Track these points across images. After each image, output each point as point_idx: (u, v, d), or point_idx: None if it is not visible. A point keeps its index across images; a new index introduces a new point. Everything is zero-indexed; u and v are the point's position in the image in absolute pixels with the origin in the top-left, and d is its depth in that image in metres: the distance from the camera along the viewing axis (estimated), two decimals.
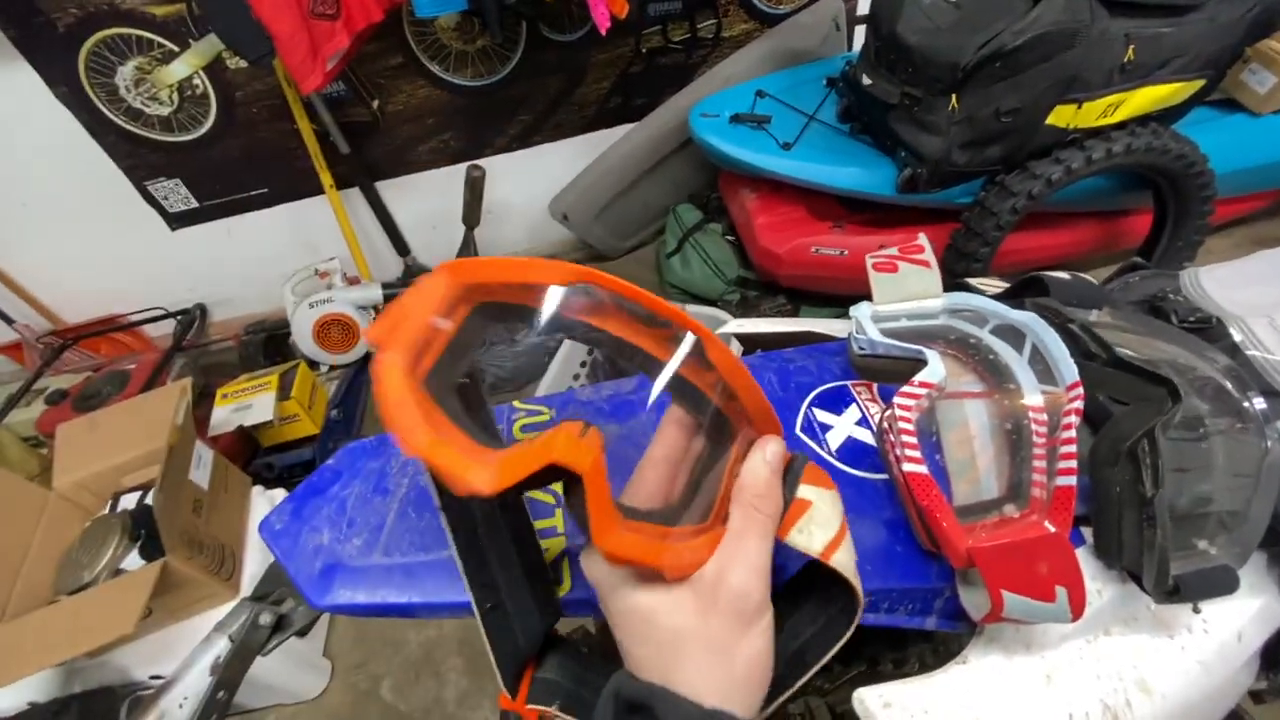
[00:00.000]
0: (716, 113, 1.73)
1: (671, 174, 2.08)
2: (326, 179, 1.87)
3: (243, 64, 1.69)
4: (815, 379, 0.53)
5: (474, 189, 2.01)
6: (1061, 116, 1.35)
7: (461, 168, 2.01)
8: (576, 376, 1.63)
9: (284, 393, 1.70)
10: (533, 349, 1.87)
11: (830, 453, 0.48)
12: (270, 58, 1.46)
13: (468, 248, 2.16)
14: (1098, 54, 1.28)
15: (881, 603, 0.44)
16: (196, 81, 1.71)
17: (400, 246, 2.13)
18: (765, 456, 0.35)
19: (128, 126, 1.71)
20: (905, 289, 0.55)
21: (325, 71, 1.48)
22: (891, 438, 0.42)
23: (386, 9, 1.50)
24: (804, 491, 0.35)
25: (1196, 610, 0.46)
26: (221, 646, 0.63)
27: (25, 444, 1.67)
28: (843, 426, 0.50)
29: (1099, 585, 0.46)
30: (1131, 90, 1.33)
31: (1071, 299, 0.53)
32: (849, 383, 0.53)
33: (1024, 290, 0.58)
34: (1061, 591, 0.38)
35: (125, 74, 1.65)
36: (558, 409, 0.51)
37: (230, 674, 0.63)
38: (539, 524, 0.43)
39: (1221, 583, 0.43)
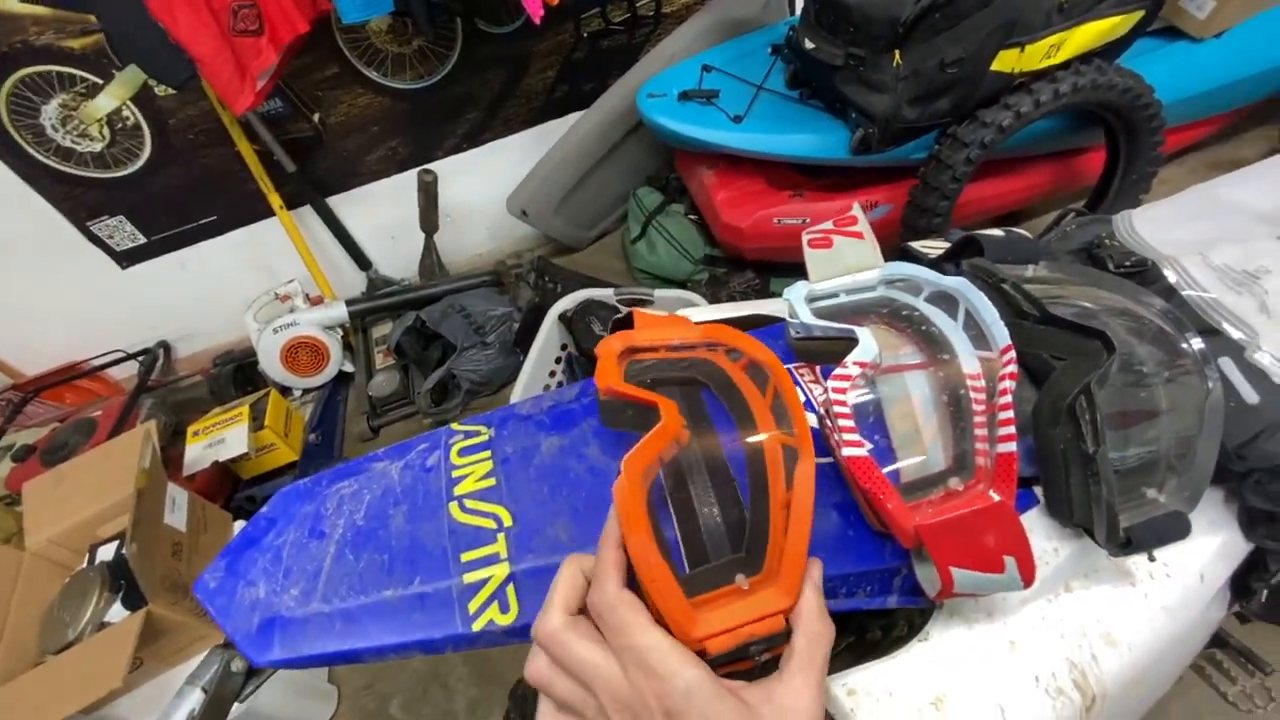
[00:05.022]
0: (664, 92, 1.70)
1: (627, 158, 2.05)
2: (275, 200, 1.83)
3: (171, 90, 1.63)
4: None
5: (428, 194, 1.97)
6: (1006, 62, 1.34)
7: (413, 174, 1.98)
8: (553, 373, 1.61)
9: (257, 423, 1.67)
10: (504, 352, 1.86)
11: None
12: (195, 81, 1.42)
13: (429, 255, 2.13)
14: None
15: (840, 588, 0.44)
16: (126, 113, 1.65)
17: (361, 261, 2.09)
18: (818, 582, 0.36)
19: (60, 167, 1.65)
20: (841, 263, 0.54)
21: (256, 90, 1.44)
22: (829, 422, 0.42)
23: (312, 19, 1.45)
24: None
25: (1152, 559, 0.46)
26: (195, 699, 0.62)
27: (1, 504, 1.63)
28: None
29: (1055, 544, 0.46)
30: (1072, 28, 1.32)
31: (1006, 256, 0.52)
32: (791, 366, 0.52)
33: (961, 251, 0.57)
34: (1010, 561, 0.38)
35: (50, 113, 1.59)
36: (496, 426, 0.50)
37: None
38: (481, 551, 0.42)
39: (1174, 529, 0.42)
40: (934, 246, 0.62)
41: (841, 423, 0.41)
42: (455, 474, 0.46)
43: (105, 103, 1.60)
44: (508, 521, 0.43)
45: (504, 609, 0.40)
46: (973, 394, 0.42)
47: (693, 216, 1.98)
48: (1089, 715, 0.44)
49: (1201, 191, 0.54)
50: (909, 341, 0.48)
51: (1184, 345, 0.45)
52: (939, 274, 0.48)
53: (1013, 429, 0.39)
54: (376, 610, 0.40)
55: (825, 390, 0.43)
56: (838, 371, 0.42)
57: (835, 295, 0.54)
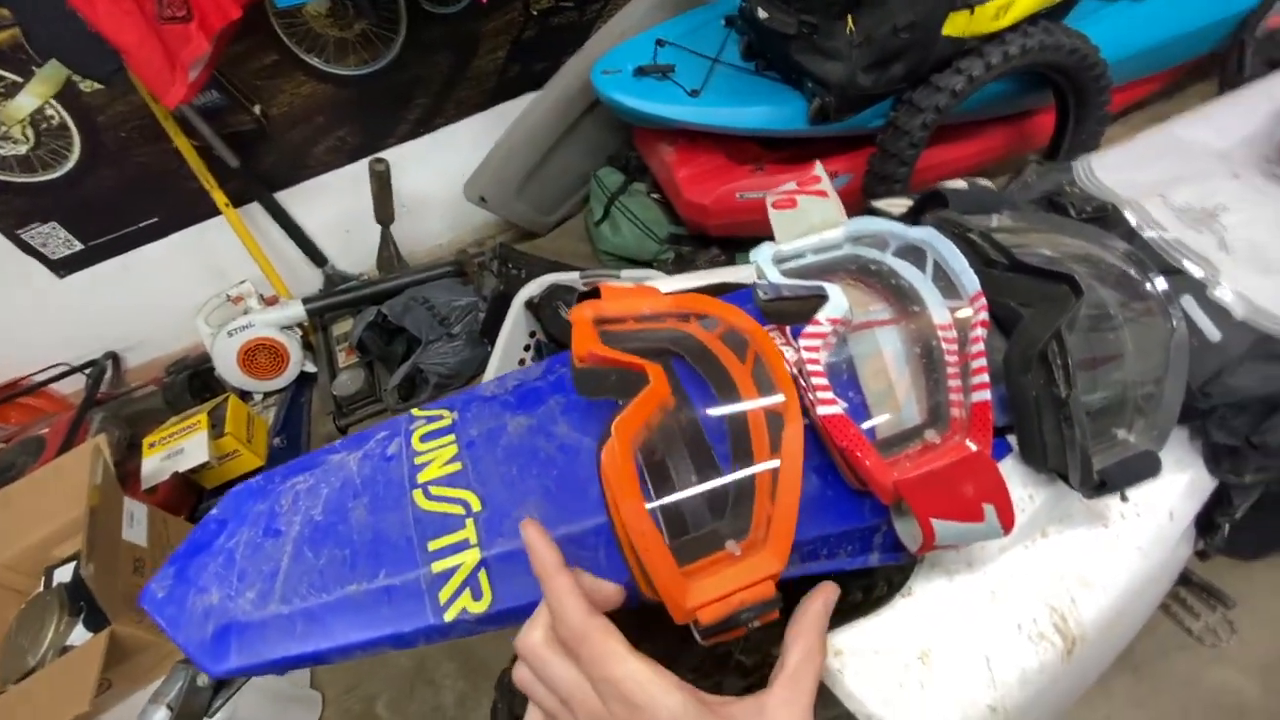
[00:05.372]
0: (618, 68, 1.67)
1: (586, 138, 2.01)
2: (220, 198, 1.75)
3: (98, 85, 1.54)
4: None
5: (381, 183, 1.91)
6: (956, 25, 1.34)
7: (364, 164, 1.91)
8: (522, 361, 1.59)
9: (218, 430, 1.61)
10: (472, 343, 1.82)
11: None
12: (121, 74, 1.34)
13: (387, 247, 2.07)
14: None
15: (820, 549, 0.43)
16: (50, 112, 1.55)
17: (316, 257, 2.02)
18: (828, 605, 0.36)
19: None
20: (806, 222, 0.53)
21: (189, 81, 1.37)
22: (803, 382, 0.41)
23: (244, 4, 1.38)
24: None
25: (1124, 499, 0.46)
26: (161, 718, 0.59)
27: None
28: None
29: (1030, 490, 0.46)
30: None
31: (971, 207, 0.51)
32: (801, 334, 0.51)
33: (925, 206, 0.56)
34: (989, 509, 0.37)
35: None
36: (459, 409, 0.48)
37: None
38: (449, 538, 0.40)
39: (1145, 468, 0.43)
40: (898, 204, 0.61)
41: (815, 381, 0.40)
42: (418, 460, 0.43)
43: (27, 102, 1.50)
44: (476, 506, 0.41)
45: (477, 596, 0.38)
46: (944, 345, 0.42)
47: (655, 195, 1.96)
48: (1070, 657, 0.44)
49: (1159, 133, 0.55)
50: (879, 297, 0.47)
51: (1147, 286, 0.45)
52: (905, 227, 0.47)
53: (986, 377, 0.39)
54: (341, 607, 0.38)
55: (797, 351, 0.42)
56: (809, 329, 0.41)
57: (802, 255, 0.53)
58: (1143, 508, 0.49)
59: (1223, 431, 0.48)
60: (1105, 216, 0.51)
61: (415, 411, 0.48)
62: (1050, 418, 0.42)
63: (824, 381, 0.40)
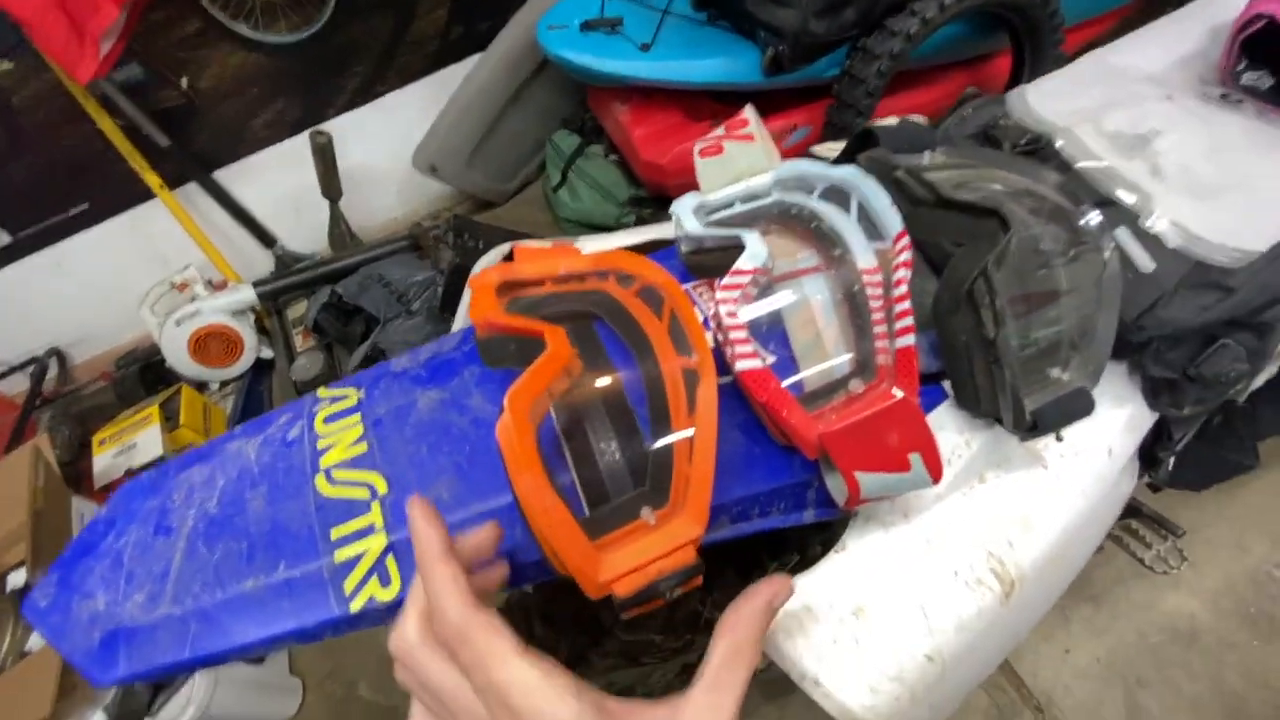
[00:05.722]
0: (564, 23, 1.60)
1: (537, 101, 1.94)
2: (153, 180, 1.66)
3: (6, 64, 1.44)
4: None
5: (324, 157, 1.82)
6: None
7: (305, 137, 1.82)
8: None
9: (172, 423, 1.57)
10: (432, 319, 1.77)
11: None
12: (25, 49, 1.25)
13: (337, 224, 1.99)
14: None
15: (751, 509, 0.41)
16: None
17: (264, 238, 1.94)
18: (774, 602, 0.31)
19: None
20: (733, 170, 0.50)
21: (99, 55, 1.28)
22: (721, 336, 0.38)
23: None
24: None
25: (1060, 439, 0.45)
26: None
27: None
28: None
29: (966, 437, 0.45)
30: None
31: (902, 145, 0.49)
32: (689, 285, 0.48)
33: (860, 147, 0.54)
34: (916, 458, 0.36)
35: None
36: (367, 386, 0.45)
37: None
38: (353, 524, 0.38)
39: (1078, 407, 0.41)
40: (834, 147, 0.58)
41: (734, 335, 0.38)
42: (321, 444, 0.41)
43: None
44: (382, 488, 0.39)
45: (385, 583, 0.36)
46: (869, 290, 0.39)
47: (613, 157, 1.90)
48: (1009, 600, 0.44)
49: (1093, 59, 0.52)
50: (806, 244, 0.45)
51: (1081, 220, 0.43)
52: (830, 168, 0.44)
53: (910, 320, 0.37)
54: (237, 605, 0.35)
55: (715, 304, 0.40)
56: (725, 281, 0.39)
57: (730, 205, 0.50)
58: (1081, 447, 0.48)
59: (1159, 365, 0.47)
60: (1040, 149, 0.49)
61: (320, 392, 0.45)
62: (980, 360, 0.40)
63: (743, 335, 0.37)
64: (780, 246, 0.46)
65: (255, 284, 1.78)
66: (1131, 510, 0.99)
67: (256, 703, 1.40)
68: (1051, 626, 1.30)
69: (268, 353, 1.89)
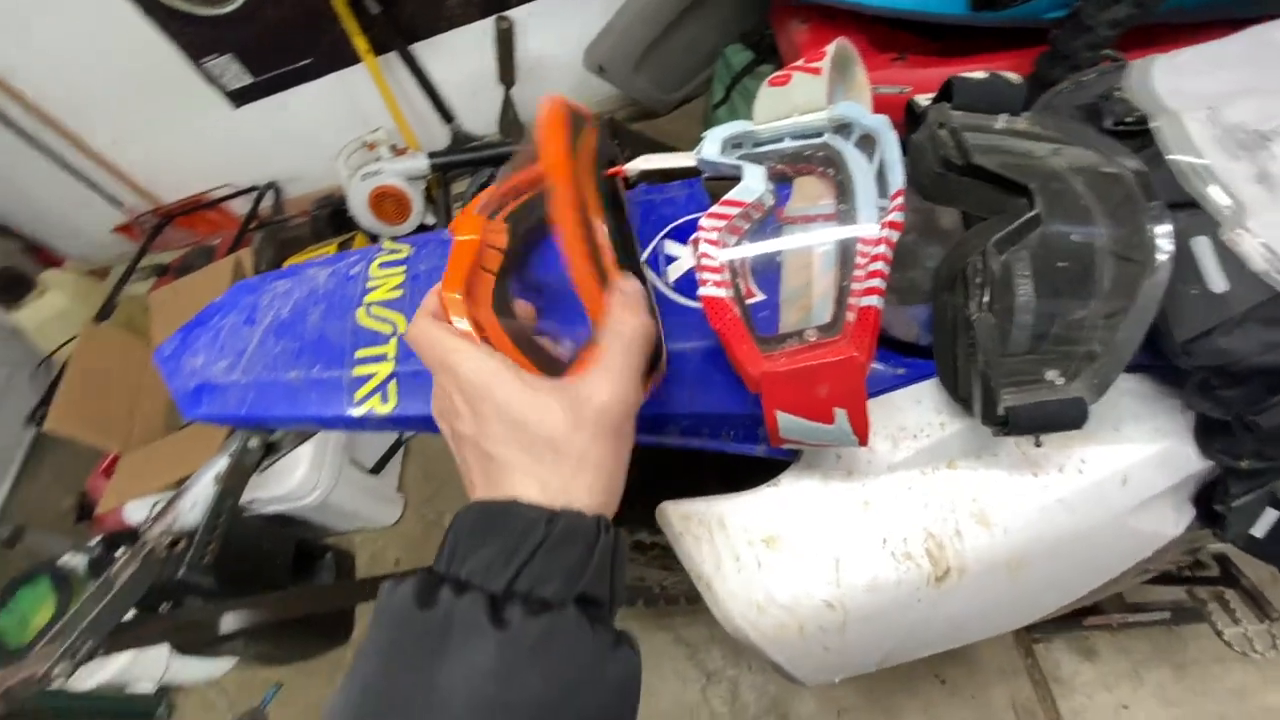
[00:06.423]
0: None
1: (718, 9, 1.87)
2: (361, 44, 1.86)
3: None
4: (679, 210, 0.51)
5: (504, 42, 1.92)
6: None
7: (492, 21, 1.93)
8: None
9: None
10: None
11: (669, 284, 0.47)
12: None
13: (508, 110, 2.12)
14: None
15: (700, 427, 0.45)
16: None
17: (445, 113, 2.12)
18: (624, 290, 0.37)
19: (168, 3, 1.76)
20: (789, 103, 0.49)
21: None
22: (695, 261, 0.41)
23: None
24: None
25: (1038, 444, 0.42)
26: (223, 464, 0.76)
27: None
28: (689, 258, 0.48)
29: (943, 418, 0.44)
30: None
31: (977, 102, 0.45)
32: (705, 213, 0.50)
33: (944, 97, 0.50)
34: (840, 413, 0.37)
35: None
36: (418, 246, 0.53)
37: (231, 484, 0.75)
38: (373, 350, 0.47)
39: (1065, 417, 0.39)
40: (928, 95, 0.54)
41: (704, 261, 0.40)
42: (369, 284, 0.50)
43: None
44: (403, 328, 0.47)
45: (384, 400, 0.45)
46: (859, 245, 0.39)
47: None
48: (940, 584, 0.44)
49: (1252, 35, 0.43)
50: (831, 191, 0.45)
51: (1142, 216, 0.38)
52: (866, 113, 0.43)
53: (879, 282, 0.37)
54: (281, 387, 0.46)
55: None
56: (712, 209, 0.40)
57: (780, 139, 0.50)
58: (1089, 464, 0.45)
59: (1207, 401, 0.41)
60: (1146, 132, 0.42)
61: (385, 243, 0.54)
62: (962, 341, 0.39)
63: (714, 263, 0.39)
64: (807, 188, 0.46)
65: (430, 155, 1.97)
66: (1229, 578, 0.87)
67: (366, 504, 1.69)
68: (1118, 676, 1.19)
69: (430, 219, 2.11)
